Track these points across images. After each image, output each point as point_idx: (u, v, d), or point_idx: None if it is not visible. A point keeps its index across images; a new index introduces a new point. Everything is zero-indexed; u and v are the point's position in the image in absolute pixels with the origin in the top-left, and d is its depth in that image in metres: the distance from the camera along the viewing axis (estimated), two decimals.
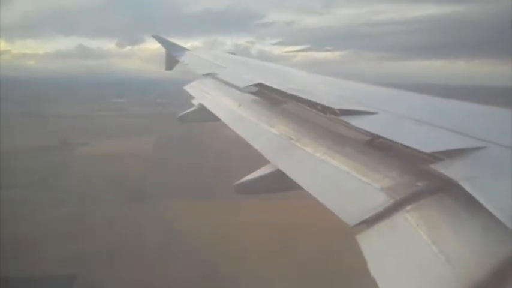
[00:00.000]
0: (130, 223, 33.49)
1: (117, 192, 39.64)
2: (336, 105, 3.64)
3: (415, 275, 1.95)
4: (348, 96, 4.31)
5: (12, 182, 40.97)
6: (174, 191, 40.03)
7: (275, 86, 4.95)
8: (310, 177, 3.14)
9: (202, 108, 6.14)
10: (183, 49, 11.65)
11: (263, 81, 5.31)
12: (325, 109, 3.78)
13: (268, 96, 5.24)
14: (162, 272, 26.72)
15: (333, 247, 24.11)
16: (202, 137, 53.36)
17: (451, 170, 2.24)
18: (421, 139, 2.77)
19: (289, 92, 4.54)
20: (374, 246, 2.19)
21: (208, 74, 7.54)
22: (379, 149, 3.05)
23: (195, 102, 6.58)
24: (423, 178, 2.42)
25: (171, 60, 11.11)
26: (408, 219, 2.19)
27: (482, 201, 1.91)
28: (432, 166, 2.36)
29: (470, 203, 1.99)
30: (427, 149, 2.50)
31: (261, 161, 3.70)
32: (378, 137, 3.06)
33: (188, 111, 6.46)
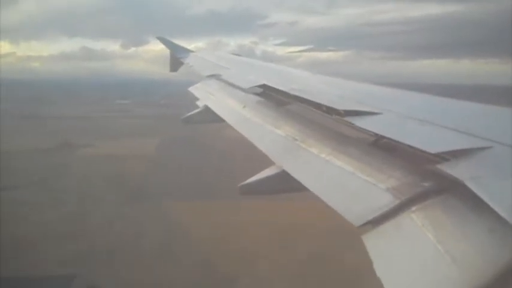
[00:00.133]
0: (131, 224, 33.44)
1: (119, 193, 39.62)
2: (340, 105, 3.64)
3: (421, 275, 1.95)
4: (352, 96, 4.30)
5: (15, 183, 41.16)
6: (177, 192, 39.94)
7: (279, 87, 4.96)
8: (315, 178, 3.14)
9: (206, 110, 6.15)
10: (187, 51, 11.67)
11: (267, 83, 5.32)
12: (329, 110, 3.79)
13: (273, 97, 5.25)
14: (162, 272, 26.69)
15: (340, 247, 23.95)
16: (206, 138, 53.35)
17: (456, 170, 2.24)
18: (426, 139, 2.77)
19: (293, 93, 4.54)
20: (379, 247, 2.19)
21: (212, 76, 7.55)
22: (383, 149, 3.06)
23: (199, 103, 6.59)
24: (428, 178, 2.42)
25: (176, 62, 11.13)
26: (414, 219, 2.19)
27: (488, 201, 1.90)
28: (438, 166, 2.35)
29: (476, 203, 1.98)
30: (432, 149, 2.49)
31: (266, 161, 3.72)
32: (383, 137, 3.07)
33: (193, 112, 6.47)
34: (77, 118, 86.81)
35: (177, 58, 11.08)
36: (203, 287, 26.04)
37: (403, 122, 3.22)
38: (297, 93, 4.48)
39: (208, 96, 6.64)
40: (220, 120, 5.55)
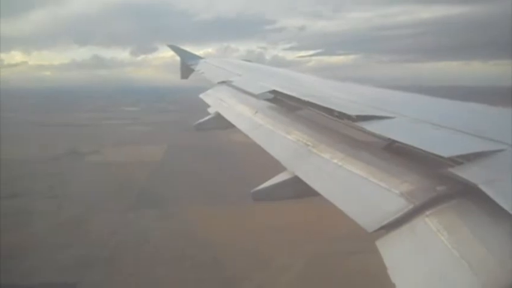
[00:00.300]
0: (135, 231, 33.46)
1: (124, 201, 39.72)
2: (351, 110, 3.63)
3: (436, 281, 1.93)
4: (363, 101, 4.30)
5: (19, 191, 41.74)
6: (182, 199, 39.90)
7: (290, 93, 4.96)
8: (328, 183, 3.13)
9: (218, 116, 6.16)
10: (198, 57, 11.74)
11: (278, 88, 5.33)
12: (341, 115, 3.78)
13: (284, 103, 5.25)
14: (164, 279, 26.69)
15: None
16: (216, 144, 53.43)
17: (470, 174, 2.23)
18: (439, 143, 2.76)
19: (304, 98, 4.54)
20: (394, 252, 2.18)
21: (223, 82, 7.58)
22: (396, 153, 3.04)
23: (210, 110, 6.61)
24: (442, 182, 2.40)
25: (186, 69, 11.19)
26: (428, 224, 2.17)
27: (502, 204, 1.89)
28: (451, 170, 2.34)
29: (490, 207, 1.97)
30: (446, 153, 2.48)
31: (275, 167, 3.72)
32: (395, 141, 3.05)
33: (204, 119, 6.49)
34: (85, 126, 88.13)
35: (187, 65, 11.15)
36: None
37: (415, 126, 3.21)
38: (308, 99, 4.48)
39: (219, 102, 6.66)
40: (232, 126, 5.56)
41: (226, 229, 32.52)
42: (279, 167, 3.69)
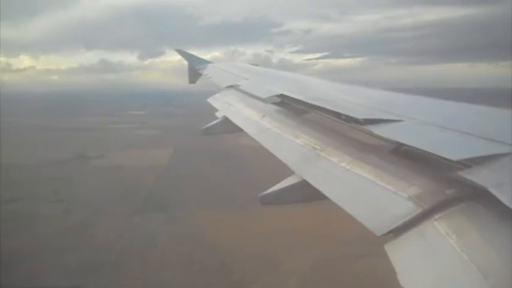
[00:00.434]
0: (140, 235, 33.54)
1: (130, 205, 39.85)
2: (359, 114, 3.63)
3: (446, 285, 1.92)
4: (370, 104, 4.29)
5: (23, 195, 41.98)
6: (188, 203, 39.93)
7: (297, 96, 4.97)
8: (336, 187, 3.13)
9: (226, 121, 6.19)
10: (205, 62, 11.81)
11: (285, 92, 5.34)
12: (348, 118, 3.78)
13: (291, 107, 5.26)
14: (171, 283, 26.69)
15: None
16: (223, 147, 53.46)
17: (479, 177, 2.21)
18: (447, 146, 2.74)
19: (311, 102, 4.55)
20: (403, 256, 2.17)
21: (231, 86, 7.60)
22: (404, 157, 3.04)
23: (218, 114, 6.63)
24: (451, 185, 2.39)
25: (194, 73, 11.26)
26: (437, 228, 2.16)
27: None
28: (460, 173, 2.33)
29: (500, 210, 1.96)
30: (454, 156, 2.46)
31: (283, 170, 3.72)
32: (403, 145, 3.05)
33: (212, 123, 6.52)
34: (92, 130, 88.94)
35: (195, 69, 11.21)
36: None
37: (423, 129, 3.20)
38: (315, 102, 4.48)
39: (227, 107, 6.68)
40: (240, 130, 5.58)
41: (234, 233, 32.53)
42: (286, 171, 3.70)
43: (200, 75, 10.83)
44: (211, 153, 54.60)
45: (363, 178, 2.97)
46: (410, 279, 2.02)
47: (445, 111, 3.90)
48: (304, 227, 31.44)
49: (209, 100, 7.46)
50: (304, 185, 3.36)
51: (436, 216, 2.23)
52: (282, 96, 5.44)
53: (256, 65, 10.86)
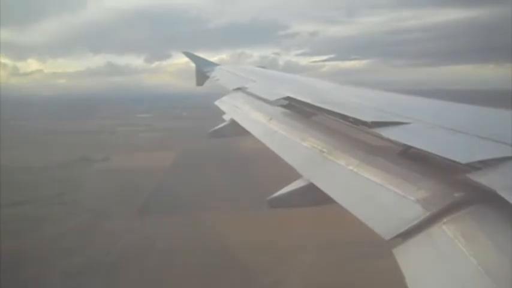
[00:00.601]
0: (142, 237, 33.65)
1: (132, 207, 40.05)
2: (367, 116, 3.61)
3: None
4: (378, 106, 4.27)
5: (28, 198, 42.32)
6: (193, 205, 39.96)
7: (304, 99, 4.96)
8: (343, 190, 3.12)
9: (233, 123, 6.18)
10: (213, 64, 11.81)
11: (293, 95, 5.33)
12: (356, 121, 3.76)
13: (299, 109, 5.25)
14: (172, 285, 26.76)
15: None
16: (230, 149, 53.46)
17: (488, 179, 2.19)
18: (456, 149, 2.72)
19: (319, 104, 4.53)
20: (411, 260, 2.16)
21: (238, 89, 7.60)
22: (413, 159, 3.02)
23: (225, 117, 6.64)
24: (459, 188, 2.38)
25: (202, 76, 11.26)
26: (445, 231, 2.15)
27: None
28: (468, 176, 2.31)
29: (509, 213, 1.94)
30: (463, 159, 2.44)
31: (290, 173, 3.72)
32: (411, 147, 3.03)
33: (219, 126, 6.52)
34: (98, 132, 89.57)
35: (202, 72, 11.22)
36: None
37: (431, 131, 3.18)
38: (322, 105, 4.47)
39: (234, 109, 6.68)
40: (247, 133, 5.57)
41: (241, 235, 32.50)
42: (294, 174, 3.69)
43: (207, 77, 10.83)
44: (218, 156, 54.55)
45: (371, 181, 2.95)
46: (418, 284, 2.00)
47: (452, 113, 3.87)
48: (312, 230, 31.28)
49: (216, 103, 7.45)
50: (311, 188, 3.36)
51: (445, 220, 2.21)
52: (289, 98, 5.43)
53: (264, 67, 10.85)
